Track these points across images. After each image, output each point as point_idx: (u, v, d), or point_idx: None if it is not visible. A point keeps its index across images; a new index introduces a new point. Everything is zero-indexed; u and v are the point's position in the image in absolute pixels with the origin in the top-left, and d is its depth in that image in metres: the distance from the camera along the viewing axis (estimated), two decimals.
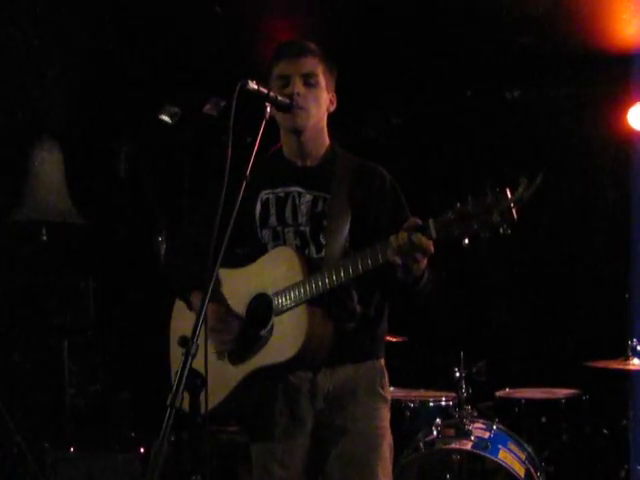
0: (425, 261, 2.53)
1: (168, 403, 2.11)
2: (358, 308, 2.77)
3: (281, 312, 2.68)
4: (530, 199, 2.22)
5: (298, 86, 2.73)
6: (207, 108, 5.56)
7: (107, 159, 6.05)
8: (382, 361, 2.92)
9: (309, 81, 2.76)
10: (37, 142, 5.57)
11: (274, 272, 2.73)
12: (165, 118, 5.66)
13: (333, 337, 2.68)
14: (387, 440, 2.85)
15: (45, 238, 5.62)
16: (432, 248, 2.41)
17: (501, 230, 2.26)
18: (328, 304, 2.66)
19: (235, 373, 2.75)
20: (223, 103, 5.53)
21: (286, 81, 2.75)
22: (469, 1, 4.72)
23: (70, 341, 5.67)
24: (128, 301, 6.00)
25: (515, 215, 2.23)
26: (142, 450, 4.72)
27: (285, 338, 2.66)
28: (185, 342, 2.18)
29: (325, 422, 2.79)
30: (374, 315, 2.85)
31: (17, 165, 5.53)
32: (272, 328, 2.70)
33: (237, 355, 2.77)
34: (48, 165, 5.55)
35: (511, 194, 2.23)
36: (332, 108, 2.89)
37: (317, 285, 2.60)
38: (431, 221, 2.36)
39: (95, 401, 5.78)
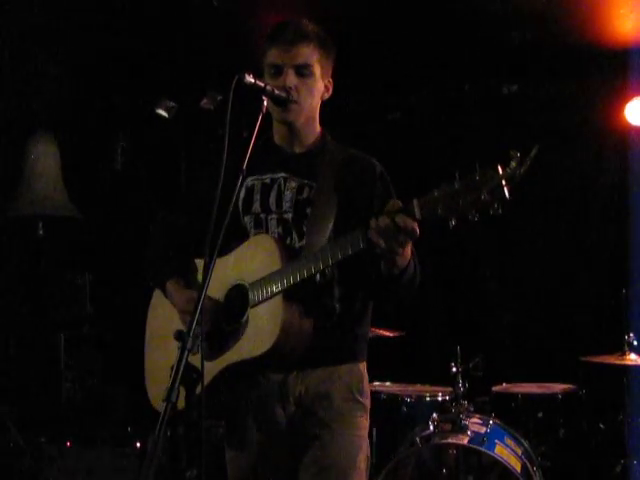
0: (409, 250, 2.42)
1: (164, 398, 2.08)
2: (338, 307, 2.64)
3: (257, 304, 2.55)
4: (524, 176, 2.06)
5: (291, 78, 2.62)
6: (204, 102, 5.56)
7: (104, 153, 6.04)
8: (362, 365, 2.75)
9: (303, 72, 2.64)
10: (33, 136, 5.56)
11: (252, 261, 2.61)
12: (162, 112, 5.65)
13: (312, 333, 2.54)
14: (363, 451, 2.69)
15: (41, 232, 5.62)
16: (417, 230, 2.28)
17: (491, 210, 2.10)
18: (306, 299, 2.54)
19: (208, 369, 2.57)
20: (220, 97, 5.53)
21: (278, 71, 2.64)
22: None
23: (67, 336, 5.67)
24: (124, 296, 5.99)
25: (507, 194, 2.07)
26: (138, 445, 4.71)
27: (260, 332, 2.53)
28: (181, 336, 2.16)
29: (298, 428, 2.65)
30: (356, 314, 2.72)
31: (13, 159, 5.53)
32: (247, 321, 2.57)
33: (211, 351, 2.63)
34: (44, 159, 5.54)
35: (502, 170, 2.08)
36: (327, 95, 2.76)
37: (294, 274, 2.47)
38: (415, 201, 2.24)
39: (91, 396, 5.77)
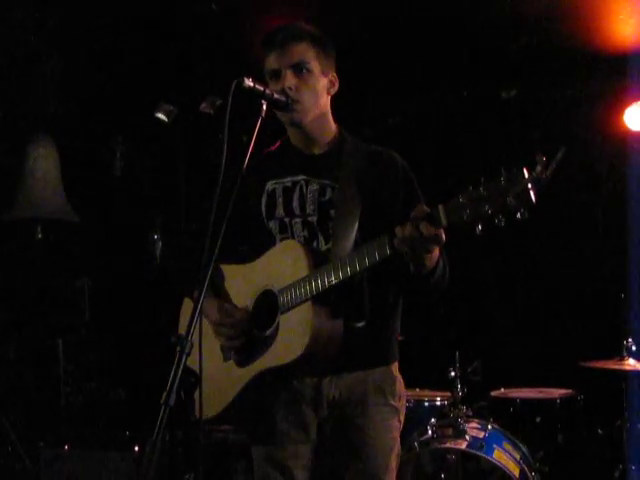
0: (437, 251, 2.41)
1: (162, 401, 2.09)
2: (368, 306, 2.63)
3: (287, 310, 2.56)
4: (550, 179, 2.03)
5: (289, 79, 2.62)
6: (204, 106, 5.54)
7: (103, 157, 6.04)
8: (394, 366, 2.77)
9: (300, 70, 2.64)
10: (32, 140, 5.56)
11: (280, 267, 2.62)
12: (161, 116, 5.63)
13: (342, 336, 2.54)
14: (395, 451, 2.73)
15: (40, 236, 5.61)
16: (443, 236, 2.28)
17: (518, 214, 2.08)
18: (336, 300, 2.53)
19: (241, 375, 2.65)
20: (220, 101, 5.52)
21: (277, 75, 2.65)
22: (466, 1, 4.72)
23: (65, 340, 5.66)
24: (123, 299, 5.99)
25: (533, 198, 2.05)
26: (136, 449, 4.70)
27: (290, 338, 2.54)
28: (180, 340, 2.16)
29: (331, 432, 2.67)
30: (387, 315, 2.72)
31: (12, 163, 5.52)
32: (278, 327, 2.59)
33: (243, 356, 2.66)
34: (43, 163, 5.54)
35: (528, 174, 2.05)
36: (334, 90, 2.75)
37: (322, 280, 2.47)
38: (440, 207, 2.21)
39: (90, 399, 5.77)
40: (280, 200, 2.72)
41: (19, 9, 4.79)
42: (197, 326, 2.20)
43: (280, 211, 2.72)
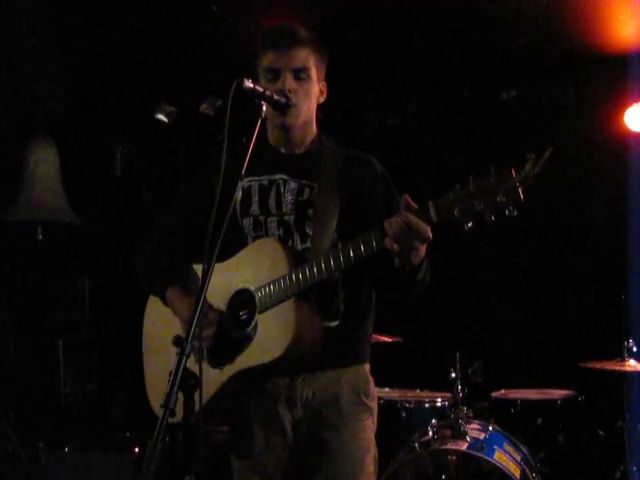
0: (424, 248, 2.40)
1: (162, 403, 2.08)
2: (342, 307, 2.63)
3: (265, 309, 2.54)
4: (537, 178, 2.10)
5: (289, 81, 2.62)
6: (204, 107, 5.55)
7: (103, 158, 6.04)
8: (367, 366, 2.76)
9: (300, 75, 2.64)
10: (33, 141, 5.56)
11: (257, 265, 2.59)
12: (161, 117, 5.65)
13: (322, 337, 2.53)
14: (371, 453, 2.69)
15: (41, 237, 5.62)
16: (430, 234, 2.28)
17: (507, 212, 2.13)
18: (311, 301, 2.53)
19: (216, 377, 2.60)
20: (219, 102, 5.53)
21: (276, 75, 2.63)
22: (466, 1, 4.72)
23: (65, 340, 5.66)
24: (123, 300, 5.98)
25: (522, 195, 2.11)
26: (137, 450, 4.70)
27: (270, 337, 2.51)
28: (179, 342, 2.15)
29: (306, 433, 2.65)
30: (360, 315, 2.72)
31: (12, 164, 5.52)
32: (256, 327, 2.55)
33: (218, 357, 2.62)
34: (44, 164, 5.54)
35: (516, 173, 2.12)
36: (322, 99, 2.76)
37: (305, 277, 2.46)
38: (430, 203, 2.24)
39: (90, 400, 5.77)
40: (256, 198, 2.71)
41: (21, 11, 4.79)
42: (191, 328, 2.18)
43: (255, 209, 2.70)
